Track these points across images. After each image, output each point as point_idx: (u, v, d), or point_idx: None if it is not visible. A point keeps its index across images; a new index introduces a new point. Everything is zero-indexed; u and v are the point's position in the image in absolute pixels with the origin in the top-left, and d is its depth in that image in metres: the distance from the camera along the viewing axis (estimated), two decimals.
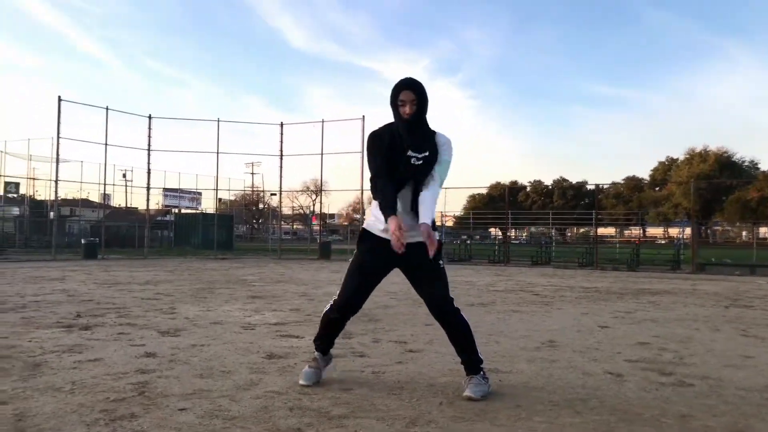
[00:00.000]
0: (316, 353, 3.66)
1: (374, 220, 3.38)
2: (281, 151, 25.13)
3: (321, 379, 3.59)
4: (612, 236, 40.51)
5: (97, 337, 5.01)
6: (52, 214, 26.67)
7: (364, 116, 23.14)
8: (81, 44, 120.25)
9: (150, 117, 23.52)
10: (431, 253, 3.16)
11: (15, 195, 37.54)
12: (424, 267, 3.33)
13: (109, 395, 3.24)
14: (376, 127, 3.42)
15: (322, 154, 24.86)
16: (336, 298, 3.50)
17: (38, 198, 39.45)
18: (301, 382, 3.53)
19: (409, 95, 3.23)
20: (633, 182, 64.41)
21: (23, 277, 11.82)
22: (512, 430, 2.79)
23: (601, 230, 43.54)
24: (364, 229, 3.47)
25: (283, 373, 3.80)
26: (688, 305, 8.31)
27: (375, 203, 3.38)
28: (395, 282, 4.86)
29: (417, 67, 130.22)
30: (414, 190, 3.30)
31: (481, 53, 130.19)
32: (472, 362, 3.39)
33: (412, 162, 3.26)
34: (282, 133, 25.05)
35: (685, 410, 3.14)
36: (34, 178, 36.04)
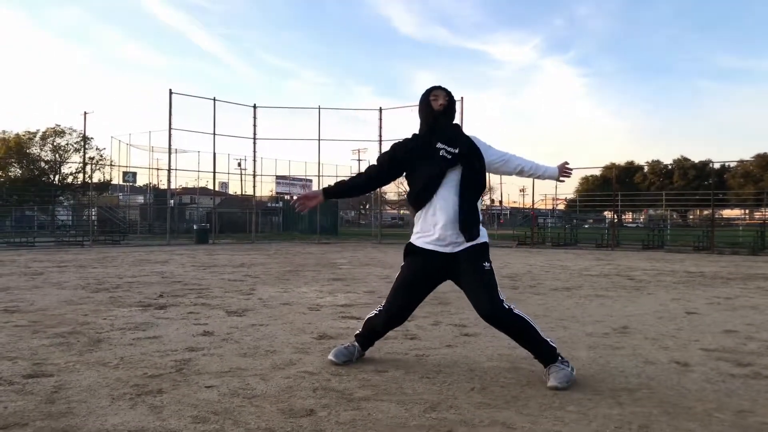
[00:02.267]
0: (356, 343, 3.63)
1: (419, 234, 3.34)
2: (380, 136, 25.20)
3: (352, 360, 3.54)
4: (740, 218, 37.45)
5: (167, 316, 5.22)
6: (172, 201, 28.32)
7: (462, 98, 22.76)
8: (201, 42, 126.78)
9: (255, 106, 24.37)
10: (569, 173, 3.50)
11: (133, 184, 40.20)
12: (470, 272, 3.23)
13: (148, 371, 3.34)
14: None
15: None
16: (382, 309, 3.48)
17: (162, 187, 42.12)
18: (330, 357, 3.55)
19: (441, 92, 3.39)
20: (765, 160, 59.06)
21: (131, 260, 12.63)
22: (537, 419, 2.59)
23: (727, 212, 40.49)
24: (410, 243, 3.40)
25: (324, 354, 3.75)
26: None
27: (417, 215, 3.36)
28: None
29: (526, 46, 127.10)
30: (459, 196, 3.22)
31: (594, 29, 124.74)
32: (543, 353, 3.21)
33: (442, 154, 3.25)
34: (381, 119, 25.09)
35: (747, 405, 2.79)
36: (158, 168, 38.51)
